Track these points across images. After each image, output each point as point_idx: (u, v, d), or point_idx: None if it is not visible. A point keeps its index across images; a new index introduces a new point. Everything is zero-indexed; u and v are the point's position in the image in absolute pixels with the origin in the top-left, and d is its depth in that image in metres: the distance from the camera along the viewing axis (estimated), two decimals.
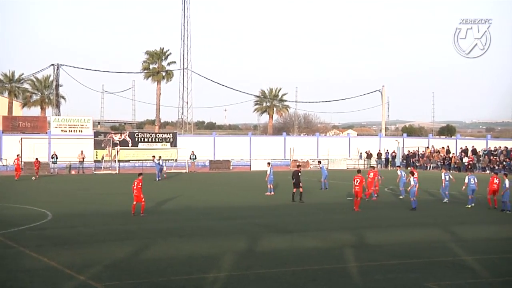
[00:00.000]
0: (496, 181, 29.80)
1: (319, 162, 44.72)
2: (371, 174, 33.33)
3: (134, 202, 26.05)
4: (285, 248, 19.27)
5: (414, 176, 29.65)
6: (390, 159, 66.54)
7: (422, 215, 27.67)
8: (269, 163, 36.91)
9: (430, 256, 18.27)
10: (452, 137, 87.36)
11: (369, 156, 67.87)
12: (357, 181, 28.33)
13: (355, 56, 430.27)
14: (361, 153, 70.01)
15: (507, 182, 28.74)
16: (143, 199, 25.94)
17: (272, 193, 35.10)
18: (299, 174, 31.48)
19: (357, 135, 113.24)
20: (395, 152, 66.58)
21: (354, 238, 21.25)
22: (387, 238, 21.36)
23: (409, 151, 66.85)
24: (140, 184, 25.95)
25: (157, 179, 48.20)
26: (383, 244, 20.18)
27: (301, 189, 31.13)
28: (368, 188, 31.92)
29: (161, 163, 50.52)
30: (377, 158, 67.35)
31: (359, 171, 30.51)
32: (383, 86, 79.59)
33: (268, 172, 35.52)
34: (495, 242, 21.44)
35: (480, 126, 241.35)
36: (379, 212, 28.78)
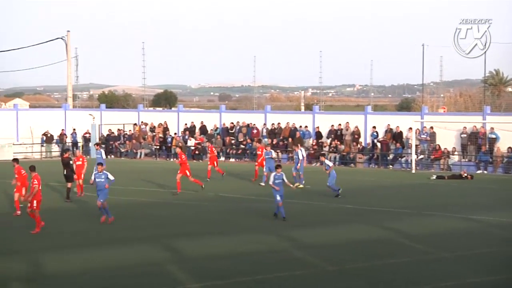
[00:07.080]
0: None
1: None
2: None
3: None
4: None
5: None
6: (83, 143, 60.39)
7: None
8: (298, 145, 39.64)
9: None
10: (173, 108, 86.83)
11: (49, 139, 60.47)
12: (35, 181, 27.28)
13: None
14: (43, 135, 61.60)
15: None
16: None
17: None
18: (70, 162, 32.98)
19: (30, 107, 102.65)
20: (89, 133, 60.96)
21: None
22: None
23: (110, 130, 60.80)
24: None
25: None
26: None
27: (69, 184, 32.63)
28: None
29: None
30: (61, 143, 60.22)
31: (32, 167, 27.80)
32: (68, 31, 70.96)
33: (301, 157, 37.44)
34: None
35: (212, 93, 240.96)
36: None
